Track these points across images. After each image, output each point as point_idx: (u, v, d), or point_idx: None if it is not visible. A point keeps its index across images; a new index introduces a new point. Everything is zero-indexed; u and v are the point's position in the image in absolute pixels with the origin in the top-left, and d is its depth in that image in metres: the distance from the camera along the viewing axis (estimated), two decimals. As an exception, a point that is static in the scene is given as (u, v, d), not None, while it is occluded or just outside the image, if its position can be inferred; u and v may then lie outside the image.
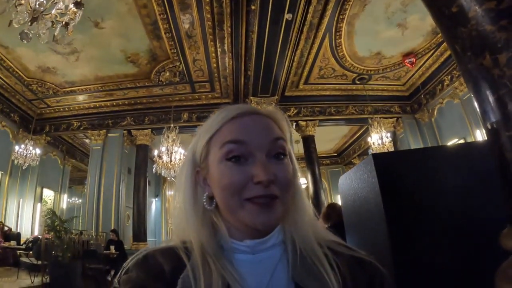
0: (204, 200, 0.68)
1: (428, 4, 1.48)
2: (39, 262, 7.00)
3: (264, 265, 0.63)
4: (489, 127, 1.14)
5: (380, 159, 1.82)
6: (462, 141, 9.23)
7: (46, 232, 7.41)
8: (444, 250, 1.64)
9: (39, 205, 10.82)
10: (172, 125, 7.92)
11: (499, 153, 1.08)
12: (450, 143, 9.62)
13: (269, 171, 0.60)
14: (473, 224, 1.74)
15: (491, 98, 1.10)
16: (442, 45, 8.33)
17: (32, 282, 6.57)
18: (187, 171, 0.71)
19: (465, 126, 9.08)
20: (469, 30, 1.16)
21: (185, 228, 0.68)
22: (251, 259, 0.64)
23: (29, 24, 3.37)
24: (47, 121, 10.41)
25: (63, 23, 3.44)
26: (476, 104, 1.22)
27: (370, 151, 10.37)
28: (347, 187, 2.05)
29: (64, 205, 12.60)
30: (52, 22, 3.48)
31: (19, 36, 3.44)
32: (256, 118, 0.66)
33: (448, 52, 8.46)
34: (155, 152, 7.73)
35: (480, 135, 8.61)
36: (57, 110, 10.18)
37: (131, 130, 10.14)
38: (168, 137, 7.70)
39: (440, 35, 7.74)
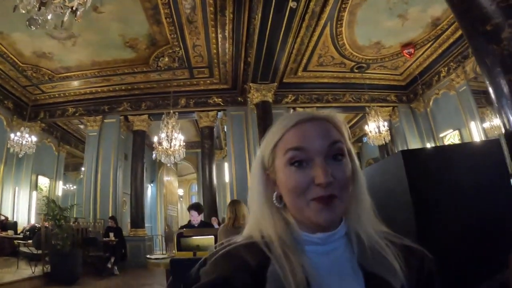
0: (274, 199, 0.75)
1: (461, 19, 1.55)
2: (39, 252, 6.95)
3: (332, 255, 0.70)
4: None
5: (408, 155, 1.91)
6: (456, 132, 9.39)
7: (45, 220, 7.36)
8: (464, 239, 1.73)
9: (34, 193, 10.71)
10: (171, 111, 7.86)
11: None
12: (444, 134, 9.79)
13: (328, 173, 0.66)
14: (486, 216, 1.85)
15: (510, 113, 1.23)
16: (441, 37, 8.42)
17: (33, 272, 6.50)
18: (258, 174, 0.78)
19: (460, 118, 9.24)
20: (501, 49, 1.26)
21: (261, 223, 0.75)
22: (320, 250, 0.71)
23: (37, 9, 3.30)
24: (41, 108, 10.23)
25: (73, 8, 3.37)
26: (497, 111, 1.34)
27: (365, 139, 10.49)
28: (370, 179, 2.10)
29: (59, 192, 12.49)
30: (61, 7, 3.41)
31: (27, 22, 3.36)
32: (315, 124, 0.72)
33: (446, 44, 8.60)
34: (155, 139, 7.67)
35: (475, 128, 8.77)
36: (52, 96, 10.00)
37: (128, 116, 10.03)
38: (167, 123, 7.65)
39: (439, 27, 7.85)
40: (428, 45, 8.77)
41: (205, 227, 5.28)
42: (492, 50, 1.28)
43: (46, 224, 7.32)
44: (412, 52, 8.78)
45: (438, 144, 10.03)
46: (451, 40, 8.45)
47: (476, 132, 8.80)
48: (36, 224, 9.35)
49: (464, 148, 2.51)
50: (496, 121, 8.98)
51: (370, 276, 0.68)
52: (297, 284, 0.61)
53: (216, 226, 6.31)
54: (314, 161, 0.68)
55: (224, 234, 3.79)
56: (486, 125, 8.94)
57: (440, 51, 8.95)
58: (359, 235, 0.73)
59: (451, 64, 9.06)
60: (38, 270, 6.62)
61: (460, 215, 1.83)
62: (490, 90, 1.36)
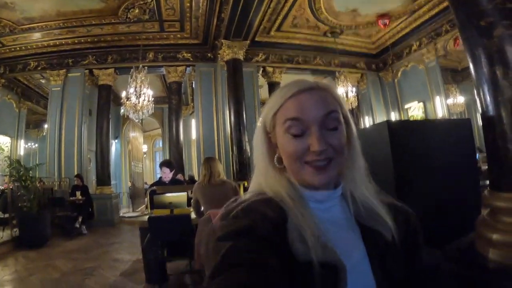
0: (275, 161, 0.82)
1: (457, 9, 1.64)
2: (6, 215, 6.76)
3: (332, 212, 0.79)
4: (487, 119, 1.51)
5: (392, 125, 2.11)
6: (421, 104, 9.81)
7: (9, 182, 7.06)
8: (437, 204, 1.89)
9: (-4, 153, 10.16)
10: (141, 65, 7.58)
11: (492, 137, 1.48)
12: (409, 105, 10.18)
13: (322, 141, 0.73)
14: (456, 185, 2.06)
15: (493, 100, 1.42)
16: (417, 12, 8.57)
17: (1, 237, 6.33)
18: (261, 137, 0.84)
19: (426, 92, 9.64)
20: (491, 44, 1.41)
21: (268, 181, 0.81)
22: (322, 207, 0.78)
23: None
24: (1, 62, 9.52)
25: None
26: (476, 97, 1.53)
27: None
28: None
29: (21, 151, 11.95)
30: None
31: None
32: (312, 94, 0.76)
33: (422, 20, 8.80)
34: (123, 94, 7.39)
35: (439, 102, 9.26)
36: (12, 49, 9.25)
37: (93, 70, 9.53)
38: (136, 77, 7.38)
39: (417, 2, 7.99)
40: (404, 18, 8.89)
41: (176, 184, 5.28)
42: (483, 44, 1.44)
43: (11, 185, 7.04)
44: (387, 23, 8.86)
45: (402, 114, 10.42)
46: (426, 16, 8.62)
47: (440, 107, 9.24)
48: (0, 186, 8.97)
49: (440, 124, 2.81)
50: (460, 99, 9.63)
51: (366, 229, 0.77)
52: (312, 232, 0.68)
53: (183, 182, 6.28)
54: (310, 130, 0.74)
55: (199, 191, 3.84)
56: (450, 101, 9.45)
57: (414, 25, 9.13)
58: (354, 194, 0.81)
59: (424, 39, 9.32)
60: (6, 234, 6.46)
61: (435, 183, 2.03)
62: (474, 77, 1.58)
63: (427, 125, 2.59)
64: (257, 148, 0.85)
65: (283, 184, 0.78)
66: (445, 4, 7.55)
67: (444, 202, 1.97)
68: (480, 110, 1.57)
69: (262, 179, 0.82)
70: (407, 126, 2.43)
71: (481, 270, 1.39)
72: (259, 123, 0.86)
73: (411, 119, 9.54)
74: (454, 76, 10.41)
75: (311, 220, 0.71)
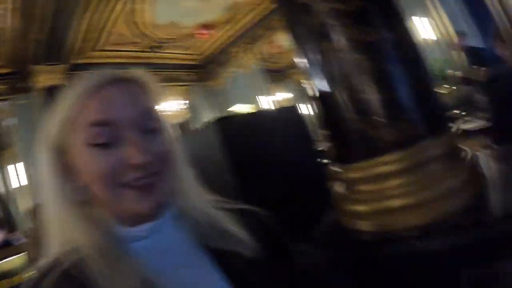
0: (76, 193, 0.58)
1: None
2: None
3: (166, 245, 0.60)
4: (317, 100, 1.53)
5: (222, 122, 2.04)
6: (248, 105, 10.52)
7: None
8: (274, 186, 1.90)
9: None
10: None
11: (330, 113, 1.50)
12: (238, 108, 10.74)
13: (144, 150, 0.55)
14: (299, 171, 2.14)
15: (324, 75, 1.43)
16: (237, 21, 9.09)
17: None
18: (47, 161, 0.60)
19: (252, 93, 10.45)
20: (313, 20, 1.40)
21: (63, 231, 0.57)
22: (150, 244, 0.59)
23: None
24: None
25: None
26: (308, 76, 1.56)
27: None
28: (188, 148, 2.25)
29: None
30: None
31: None
32: (121, 88, 0.58)
33: (241, 28, 9.38)
34: None
35: (264, 101, 10.37)
36: None
37: None
38: None
39: (236, 12, 8.46)
40: (226, 27, 9.28)
41: (6, 246, 4.56)
42: (305, 21, 1.42)
43: None
44: (210, 33, 9.12)
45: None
46: (246, 25, 9.24)
47: (266, 105, 10.22)
48: None
49: (269, 114, 2.92)
50: (280, 95, 11.02)
51: (217, 252, 0.61)
52: None
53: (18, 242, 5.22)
54: (124, 137, 0.55)
55: (32, 250, 3.30)
56: (276, 98, 10.75)
57: (236, 34, 9.66)
58: (190, 212, 0.64)
59: (245, 45, 9.97)
60: None
61: (278, 173, 1.98)
62: (302, 57, 1.52)
63: (256, 117, 2.55)
64: (41, 181, 0.60)
65: (87, 231, 0.56)
66: (263, 12, 8.39)
67: (292, 189, 1.95)
68: (313, 89, 1.58)
69: (53, 231, 0.58)
70: (236, 121, 2.30)
71: (356, 246, 1.34)
72: (40, 141, 0.63)
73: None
74: (276, 75, 11.70)
75: (133, 277, 0.51)
